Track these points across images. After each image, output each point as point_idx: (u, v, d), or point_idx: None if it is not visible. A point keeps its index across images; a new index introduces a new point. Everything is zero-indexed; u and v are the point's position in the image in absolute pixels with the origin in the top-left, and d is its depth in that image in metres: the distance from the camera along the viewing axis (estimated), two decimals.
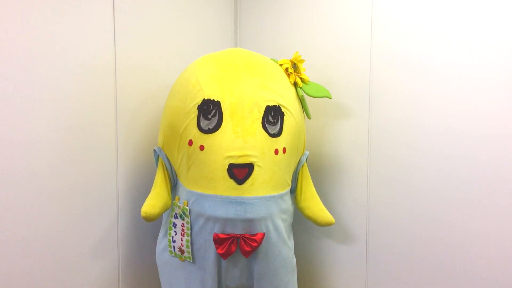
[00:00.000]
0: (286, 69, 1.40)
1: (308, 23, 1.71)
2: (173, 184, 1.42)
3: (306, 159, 1.49)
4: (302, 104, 1.45)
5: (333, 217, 1.52)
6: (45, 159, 1.28)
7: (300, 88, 1.42)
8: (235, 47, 1.95)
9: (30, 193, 1.26)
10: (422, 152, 1.43)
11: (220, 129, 1.25)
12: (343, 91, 1.61)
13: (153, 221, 1.33)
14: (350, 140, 1.61)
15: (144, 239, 1.61)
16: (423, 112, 1.41)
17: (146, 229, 1.60)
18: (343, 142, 1.63)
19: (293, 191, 1.47)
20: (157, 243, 1.47)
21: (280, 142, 1.30)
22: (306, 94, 1.43)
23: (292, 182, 1.45)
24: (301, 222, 1.69)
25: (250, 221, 1.26)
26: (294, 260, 1.46)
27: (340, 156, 1.64)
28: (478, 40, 1.30)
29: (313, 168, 1.69)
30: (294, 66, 1.43)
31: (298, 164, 1.45)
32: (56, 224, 1.33)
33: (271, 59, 1.46)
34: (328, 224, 1.42)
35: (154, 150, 1.42)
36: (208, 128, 1.26)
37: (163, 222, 1.47)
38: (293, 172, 1.44)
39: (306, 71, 1.52)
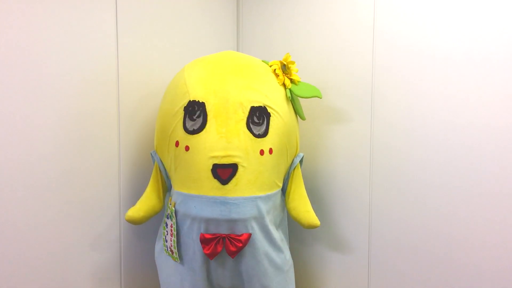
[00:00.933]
0: (274, 70, 1.41)
1: (310, 25, 1.71)
2: (169, 186, 1.44)
3: (301, 161, 1.48)
4: (293, 105, 1.44)
5: (335, 222, 1.49)
6: (48, 158, 1.31)
7: (289, 89, 1.42)
8: (237, 49, 1.97)
9: (33, 192, 1.28)
10: (426, 153, 1.41)
11: (204, 129, 1.26)
12: (345, 93, 1.60)
13: (140, 224, 1.35)
14: (352, 143, 1.59)
15: (146, 237, 1.63)
16: (427, 112, 1.40)
17: (148, 228, 1.62)
18: (345, 145, 1.62)
19: (284, 192, 1.47)
20: (156, 242, 1.50)
21: (266, 143, 1.30)
22: (295, 94, 1.43)
23: (284, 183, 1.44)
24: (301, 228, 1.67)
25: (234, 221, 1.26)
26: (288, 260, 1.44)
27: (343, 160, 1.62)
28: (480, 40, 1.28)
29: (315, 172, 1.68)
30: (284, 67, 1.43)
31: (291, 165, 1.44)
32: (59, 223, 1.35)
33: (262, 60, 1.47)
34: (311, 227, 1.39)
35: (151, 153, 1.46)
36: (193, 129, 1.28)
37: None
38: (285, 173, 1.43)
39: (309, 73, 1.52)
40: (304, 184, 1.49)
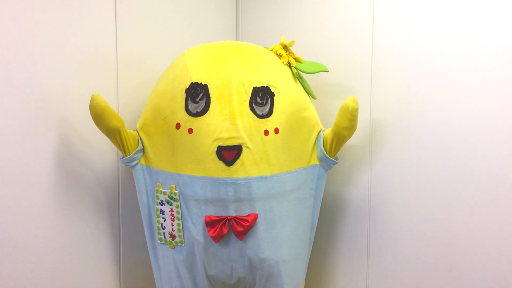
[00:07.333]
0: (276, 51, 1.40)
1: (310, 19, 1.70)
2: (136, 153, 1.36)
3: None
4: (302, 85, 1.44)
5: (334, 216, 1.55)
6: (47, 155, 1.29)
7: (294, 67, 1.41)
8: (236, 38, 1.96)
9: (31, 190, 1.26)
10: (425, 150, 1.42)
11: (208, 112, 1.26)
12: (344, 88, 1.60)
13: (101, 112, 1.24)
14: (351, 142, 1.56)
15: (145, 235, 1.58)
16: (425, 114, 1.40)
17: None
18: (344, 146, 1.58)
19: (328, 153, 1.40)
20: (146, 236, 1.46)
21: (270, 123, 1.29)
22: (302, 71, 1.43)
23: (319, 153, 1.40)
24: None
25: (240, 202, 1.27)
26: (307, 238, 1.46)
27: (342, 158, 1.60)
28: (479, 40, 1.29)
29: None
30: (285, 48, 1.43)
31: (317, 140, 1.40)
32: (57, 220, 1.34)
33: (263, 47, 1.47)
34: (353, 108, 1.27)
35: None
36: (196, 111, 1.27)
37: (145, 215, 1.44)
38: (306, 151, 1.39)
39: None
40: None
